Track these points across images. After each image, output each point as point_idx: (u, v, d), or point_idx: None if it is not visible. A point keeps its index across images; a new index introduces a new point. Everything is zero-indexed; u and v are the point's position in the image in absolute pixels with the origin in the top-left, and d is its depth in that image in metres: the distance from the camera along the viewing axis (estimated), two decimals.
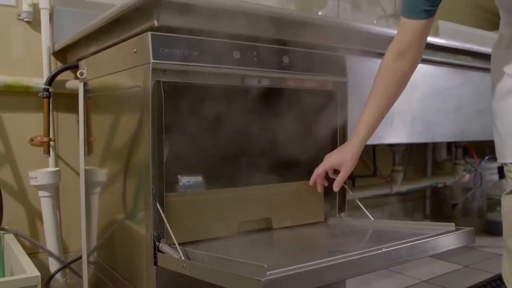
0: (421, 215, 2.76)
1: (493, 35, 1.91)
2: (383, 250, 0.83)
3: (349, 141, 1.18)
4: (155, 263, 0.96)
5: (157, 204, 0.95)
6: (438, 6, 1.10)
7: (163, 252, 0.96)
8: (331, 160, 1.18)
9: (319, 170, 1.20)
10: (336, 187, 1.18)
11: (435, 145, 2.67)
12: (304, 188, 1.20)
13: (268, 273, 0.70)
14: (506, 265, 1.26)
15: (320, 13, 2.01)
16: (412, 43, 1.11)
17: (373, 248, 0.84)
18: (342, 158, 1.17)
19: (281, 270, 0.72)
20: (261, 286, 0.68)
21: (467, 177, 2.43)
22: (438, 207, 2.78)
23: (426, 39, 1.13)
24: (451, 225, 1.01)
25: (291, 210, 1.18)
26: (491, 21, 2.67)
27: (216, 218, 1.05)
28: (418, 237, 0.92)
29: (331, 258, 0.78)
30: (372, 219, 1.17)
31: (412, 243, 0.88)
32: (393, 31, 1.36)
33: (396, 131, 1.51)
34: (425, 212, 2.78)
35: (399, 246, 0.86)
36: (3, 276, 1.36)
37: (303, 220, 1.20)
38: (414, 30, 1.10)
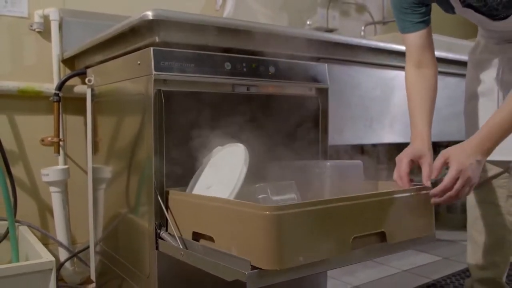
0: None
1: (468, 43, 2.05)
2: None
3: (413, 141, 1.13)
4: (156, 248, 1.10)
5: (158, 196, 1.09)
6: (430, 15, 1.19)
7: (163, 239, 1.10)
8: (409, 153, 1.08)
9: (405, 168, 1.05)
10: (425, 181, 1.05)
11: None
12: (416, 198, 1.01)
13: (251, 266, 0.80)
14: (470, 253, 1.40)
15: (308, 23, 2.15)
16: (421, 51, 1.19)
17: None
18: (421, 149, 1.09)
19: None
20: (245, 277, 0.79)
21: None
22: None
23: (432, 41, 1.21)
24: None
25: (404, 222, 1.00)
26: (470, 27, 2.80)
27: (326, 234, 0.87)
28: None
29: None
30: None
31: None
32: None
33: (375, 133, 1.65)
34: None
35: None
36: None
37: (416, 233, 1.01)
38: (416, 41, 1.19)
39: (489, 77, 1.30)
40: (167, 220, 1.09)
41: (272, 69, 1.25)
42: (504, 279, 1.36)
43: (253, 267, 0.80)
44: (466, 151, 1.01)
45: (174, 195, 1.09)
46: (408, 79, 1.21)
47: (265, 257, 0.80)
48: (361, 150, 2.43)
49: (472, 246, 1.39)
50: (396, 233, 0.97)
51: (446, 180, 0.98)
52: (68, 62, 1.71)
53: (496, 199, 1.34)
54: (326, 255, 0.86)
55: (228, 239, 0.89)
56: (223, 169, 1.09)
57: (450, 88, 1.90)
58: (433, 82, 1.20)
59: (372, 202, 0.93)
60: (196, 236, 1.00)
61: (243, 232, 0.85)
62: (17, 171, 1.65)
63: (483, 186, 1.35)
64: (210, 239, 0.94)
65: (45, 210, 1.70)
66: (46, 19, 1.66)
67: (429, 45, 1.20)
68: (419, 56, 1.19)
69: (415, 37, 1.18)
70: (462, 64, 1.82)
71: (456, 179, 0.98)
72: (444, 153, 1.02)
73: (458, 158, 0.99)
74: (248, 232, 0.84)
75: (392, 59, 1.67)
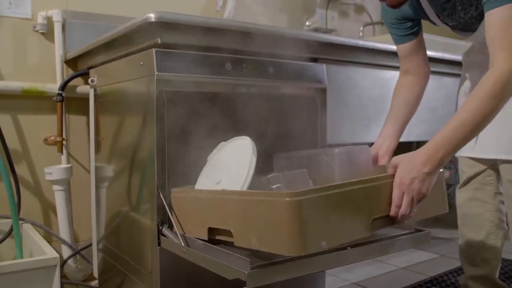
0: None
1: (464, 44, 2.08)
2: (348, 249, 0.92)
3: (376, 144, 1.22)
4: (159, 244, 1.13)
5: (160, 194, 1.12)
6: (418, 26, 1.24)
7: (165, 236, 1.12)
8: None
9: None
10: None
11: (419, 144, 2.83)
12: None
13: (251, 266, 0.82)
14: (461, 250, 1.42)
15: (308, 23, 2.17)
16: (408, 60, 1.26)
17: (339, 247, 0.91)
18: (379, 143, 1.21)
19: (262, 264, 0.84)
20: (245, 277, 0.81)
21: (446, 174, 2.59)
22: None
23: (422, 50, 1.27)
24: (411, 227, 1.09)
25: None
26: None
27: (346, 217, 0.86)
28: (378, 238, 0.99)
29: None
30: None
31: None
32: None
33: (372, 132, 1.68)
34: None
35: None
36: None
37: (431, 212, 1.04)
38: (404, 51, 1.26)
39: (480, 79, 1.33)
40: (169, 218, 1.11)
41: (271, 70, 1.28)
42: (497, 275, 1.38)
43: (253, 267, 0.82)
44: (413, 162, 0.94)
45: (176, 193, 1.12)
46: (395, 85, 1.29)
47: (288, 244, 0.79)
48: None
49: (463, 243, 1.41)
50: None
51: (393, 197, 0.94)
52: (71, 62, 1.73)
53: (483, 196, 1.36)
54: (347, 238, 0.85)
55: (247, 231, 0.88)
56: (231, 163, 1.09)
57: (446, 87, 1.93)
58: (417, 88, 1.26)
59: (387, 183, 0.95)
60: (212, 231, 0.99)
61: (264, 222, 0.84)
62: (21, 170, 1.67)
63: (470, 184, 1.38)
64: (228, 233, 0.93)
65: (48, 208, 1.73)
66: (49, 20, 1.69)
67: (418, 53, 1.26)
68: (407, 64, 1.27)
69: (404, 47, 1.25)
70: (458, 64, 1.84)
71: (402, 194, 0.93)
72: (393, 162, 0.99)
73: (401, 171, 0.94)
74: (269, 221, 0.83)
75: (390, 59, 1.69)
